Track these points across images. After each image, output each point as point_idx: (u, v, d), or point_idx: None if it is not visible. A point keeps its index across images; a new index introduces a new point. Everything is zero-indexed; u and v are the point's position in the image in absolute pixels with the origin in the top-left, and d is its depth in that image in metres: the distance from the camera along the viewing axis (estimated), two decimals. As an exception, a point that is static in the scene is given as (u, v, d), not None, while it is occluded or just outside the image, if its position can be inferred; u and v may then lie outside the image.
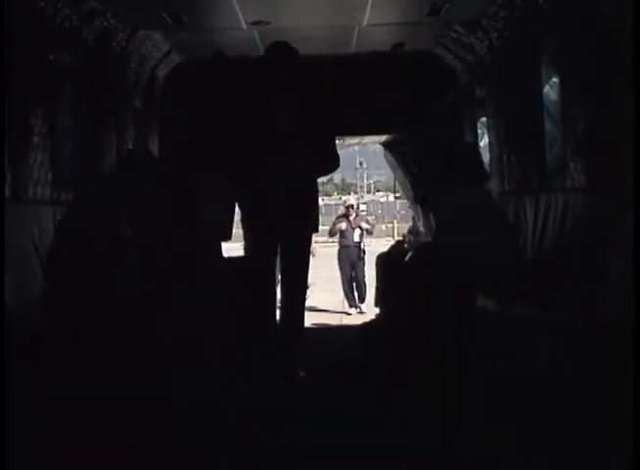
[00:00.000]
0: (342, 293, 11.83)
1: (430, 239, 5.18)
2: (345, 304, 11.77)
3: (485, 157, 6.27)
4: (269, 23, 5.76)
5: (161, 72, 6.93)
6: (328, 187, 62.16)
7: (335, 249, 12.26)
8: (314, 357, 4.77)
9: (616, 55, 3.36)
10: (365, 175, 58.86)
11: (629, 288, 2.32)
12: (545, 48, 4.87)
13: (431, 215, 5.54)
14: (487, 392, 3.08)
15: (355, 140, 11.90)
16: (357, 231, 11.72)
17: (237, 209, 4.88)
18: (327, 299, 12.36)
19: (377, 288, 6.12)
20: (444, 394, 3.36)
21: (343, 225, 11.74)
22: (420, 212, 8.30)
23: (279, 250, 4.59)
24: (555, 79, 4.82)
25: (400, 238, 9.83)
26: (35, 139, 4.27)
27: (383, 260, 6.09)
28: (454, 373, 3.40)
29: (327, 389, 4.05)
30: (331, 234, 11.92)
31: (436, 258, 4.04)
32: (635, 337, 2.23)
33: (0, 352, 2.48)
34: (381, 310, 5.91)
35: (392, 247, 6.31)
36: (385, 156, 10.41)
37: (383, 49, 6.81)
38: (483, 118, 6.58)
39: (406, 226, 15.51)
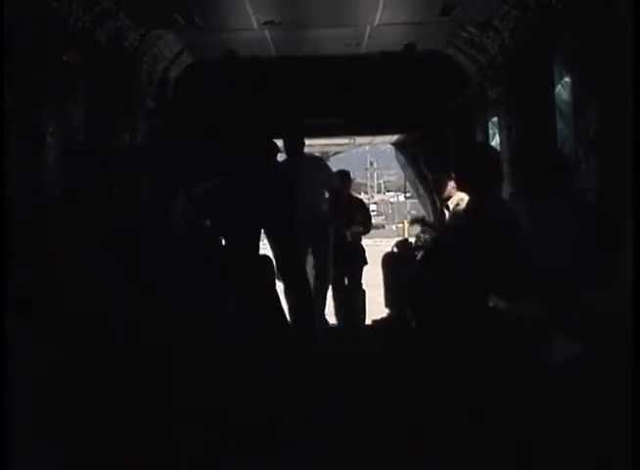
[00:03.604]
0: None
1: (443, 239, 5.16)
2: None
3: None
4: (280, 23, 5.77)
5: (173, 73, 6.96)
6: (338, 187, 62.04)
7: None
8: (324, 358, 4.78)
9: (628, 55, 3.35)
10: (375, 175, 58.85)
11: (631, 288, 2.33)
12: (557, 48, 4.85)
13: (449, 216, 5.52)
14: (498, 391, 3.08)
15: (366, 140, 11.94)
16: None
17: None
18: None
19: (386, 288, 6.09)
20: (457, 393, 3.36)
21: None
22: (431, 212, 8.28)
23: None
24: (567, 79, 4.80)
25: (407, 237, 9.59)
26: (47, 139, 4.30)
27: (390, 260, 6.06)
28: (466, 373, 3.40)
29: (338, 389, 4.05)
30: None
31: (451, 257, 4.02)
32: (636, 337, 2.24)
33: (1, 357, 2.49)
34: (391, 311, 5.89)
35: (397, 246, 6.27)
36: (395, 156, 10.45)
37: (394, 49, 6.81)
38: (495, 118, 6.57)
39: (417, 226, 15.41)
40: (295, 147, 6.44)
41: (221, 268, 4.01)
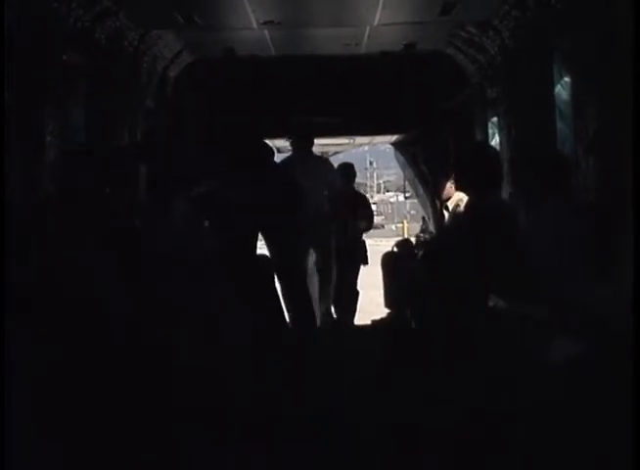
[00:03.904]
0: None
1: (443, 238, 5.16)
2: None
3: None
4: (280, 22, 5.77)
5: (173, 72, 6.96)
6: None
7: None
8: (324, 358, 4.78)
9: (628, 54, 3.35)
10: (375, 175, 58.83)
11: (631, 288, 2.34)
12: (557, 48, 4.85)
13: (449, 216, 5.52)
14: (497, 391, 3.09)
15: (365, 140, 11.94)
16: None
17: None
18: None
19: (386, 288, 6.08)
20: (457, 393, 3.36)
21: None
22: (431, 212, 8.28)
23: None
24: (566, 79, 4.80)
25: (407, 237, 9.50)
26: (47, 138, 4.29)
27: (390, 260, 6.06)
28: (465, 372, 3.41)
29: (337, 389, 4.06)
30: None
31: (450, 257, 4.02)
32: (636, 337, 2.24)
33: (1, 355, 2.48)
34: (391, 311, 5.89)
35: (397, 245, 6.27)
36: (395, 155, 10.45)
37: (394, 49, 6.80)
38: (494, 118, 6.56)
39: (416, 226, 15.41)
40: (301, 146, 6.42)
41: (219, 268, 4.01)
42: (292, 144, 6.54)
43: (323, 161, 7.08)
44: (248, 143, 5.06)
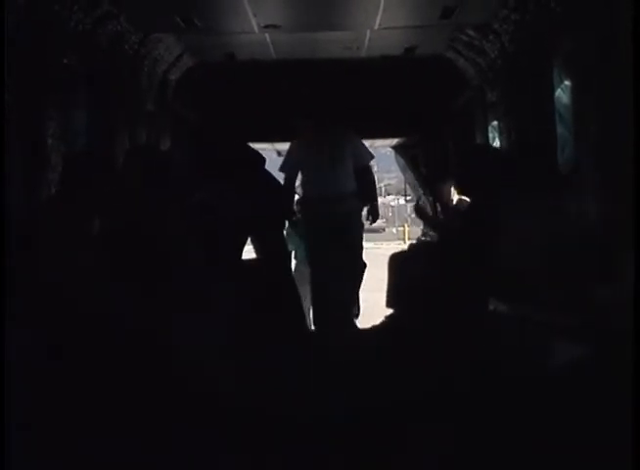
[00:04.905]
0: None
1: (446, 241, 5.17)
2: None
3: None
4: (280, 26, 5.79)
5: (173, 76, 6.97)
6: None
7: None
8: (326, 358, 4.77)
9: (628, 57, 3.36)
10: (376, 179, 58.77)
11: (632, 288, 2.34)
12: (557, 51, 4.86)
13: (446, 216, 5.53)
14: (498, 392, 3.09)
15: (366, 143, 11.91)
16: None
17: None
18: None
19: (389, 288, 6.08)
20: (456, 393, 3.37)
21: None
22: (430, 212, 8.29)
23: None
24: (567, 82, 4.81)
25: (414, 241, 9.57)
26: (47, 142, 4.30)
27: (396, 261, 6.06)
28: (467, 373, 3.41)
29: (339, 389, 4.05)
30: None
31: (452, 259, 4.04)
32: (636, 337, 2.24)
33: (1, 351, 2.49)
34: (393, 311, 5.88)
35: (408, 248, 6.29)
36: (396, 159, 10.44)
37: (394, 52, 6.82)
38: (495, 122, 6.57)
39: (417, 230, 15.42)
40: (315, 126, 6.25)
41: (213, 271, 4.02)
42: (301, 127, 6.27)
43: (341, 136, 6.35)
44: (236, 149, 5.06)
